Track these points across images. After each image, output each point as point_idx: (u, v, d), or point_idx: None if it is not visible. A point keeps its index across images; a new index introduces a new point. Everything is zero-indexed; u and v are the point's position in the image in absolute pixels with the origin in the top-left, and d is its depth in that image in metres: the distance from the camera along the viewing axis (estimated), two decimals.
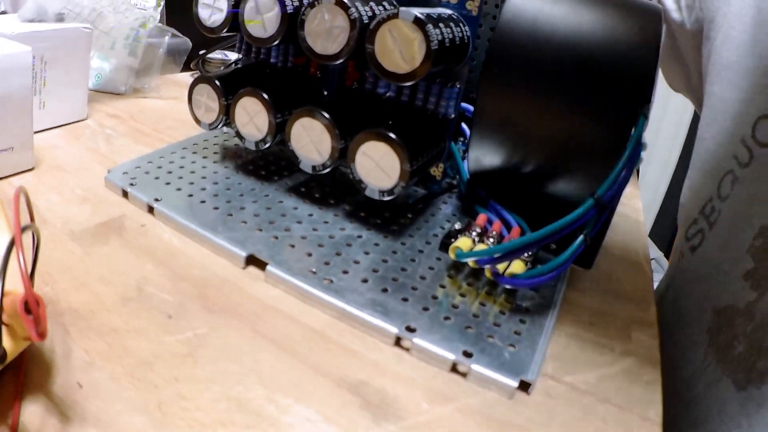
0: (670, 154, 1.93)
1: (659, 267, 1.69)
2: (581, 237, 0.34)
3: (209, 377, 0.27)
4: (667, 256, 1.85)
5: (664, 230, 1.97)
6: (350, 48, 0.35)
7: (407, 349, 0.31)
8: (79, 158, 0.46)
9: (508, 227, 0.39)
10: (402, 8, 0.34)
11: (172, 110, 0.59)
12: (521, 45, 0.36)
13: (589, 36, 0.36)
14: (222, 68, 0.56)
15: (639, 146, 0.34)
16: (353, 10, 0.35)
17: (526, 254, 0.37)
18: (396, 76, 0.35)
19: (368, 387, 0.29)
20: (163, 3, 0.62)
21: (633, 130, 0.34)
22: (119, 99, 0.60)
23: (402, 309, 0.33)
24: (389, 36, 0.34)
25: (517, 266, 0.35)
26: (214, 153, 0.47)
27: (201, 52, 0.59)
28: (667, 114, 1.91)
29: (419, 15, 0.33)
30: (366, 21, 0.36)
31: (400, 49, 0.34)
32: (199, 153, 0.47)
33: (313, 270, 0.35)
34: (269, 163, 0.47)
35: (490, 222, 0.39)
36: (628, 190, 0.64)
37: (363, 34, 0.35)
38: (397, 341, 0.32)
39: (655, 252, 1.75)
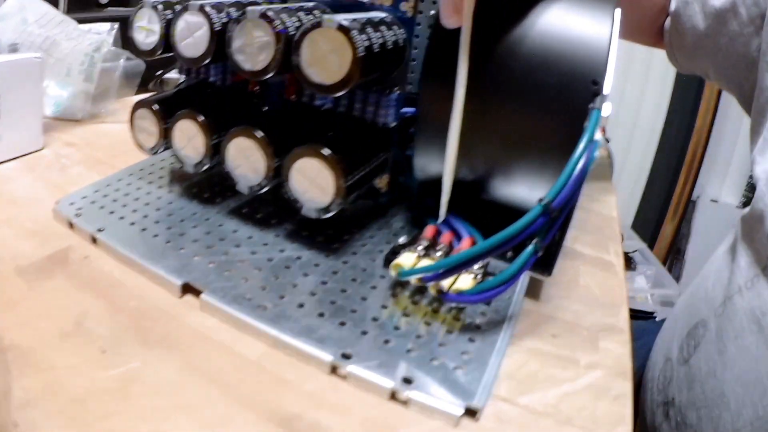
0: (650, 139, 1.89)
1: (644, 259, 1.65)
2: (531, 246, 0.31)
3: (139, 414, 0.26)
4: (651, 247, 1.81)
5: (647, 220, 1.93)
6: (277, 62, 0.33)
7: (344, 378, 0.29)
8: (33, 190, 0.45)
9: (461, 238, 0.37)
10: (326, 16, 0.31)
11: (128, 134, 0.57)
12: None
13: (536, 28, 0.34)
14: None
15: (593, 143, 0.31)
16: (278, 22, 0.33)
17: (476, 267, 0.34)
18: (324, 88, 0.32)
19: (301, 421, 0.27)
20: (116, 26, 0.60)
21: (586, 125, 0.31)
22: (77, 126, 0.58)
23: (338, 334, 0.31)
24: (315, 46, 0.32)
25: (465, 281, 0.33)
26: (160, 177, 0.45)
27: (158, 73, 0.57)
28: (645, 99, 1.87)
29: (343, 22, 0.31)
30: (293, 32, 0.33)
31: (327, 58, 0.32)
32: (145, 178, 0.45)
33: (248, 296, 0.33)
34: (214, 185, 0.44)
35: (440, 233, 0.37)
36: (601, 185, 0.62)
37: (290, 46, 0.33)
38: (334, 369, 0.29)
39: (638, 244, 1.71)
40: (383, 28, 0.34)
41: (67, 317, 0.31)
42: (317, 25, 0.31)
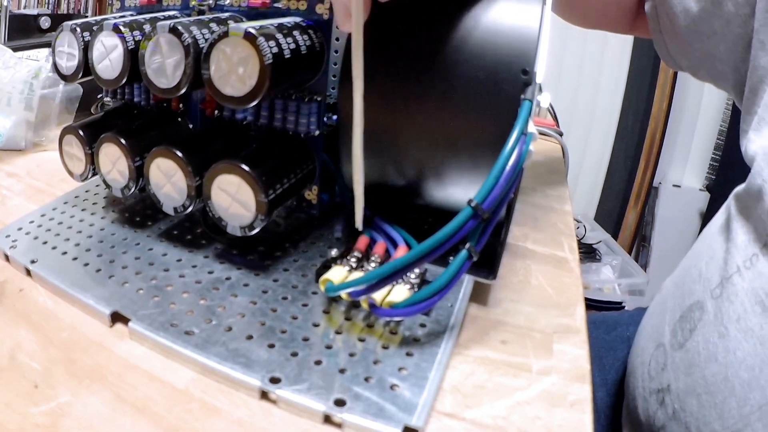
0: (607, 129, 1.87)
1: (609, 250, 1.63)
2: (464, 251, 0.29)
3: None
4: (615, 237, 1.79)
5: (609, 210, 1.91)
6: (189, 77, 0.31)
7: (275, 402, 0.27)
8: None
9: (396, 247, 0.34)
10: (232, 24, 0.29)
11: None
12: (382, 41, 0.31)
13: (459, 19, 0.31)
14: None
15: (524, 136, 0.29)
16: (186, 35, 0.30)
17: (412, 276, 0.32)
18: (236, 100, 0.30)
19: None
20: (52, 52, 0.57)
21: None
22: (20, 155, 0.55)
23: (267, 357, 0.28)
24: (223, 57, 0.29)
25: (399, 293, 0.30)
26: (94, 204, 0.42)
27: (99, 96, 0.54)
28: (600, 89, 1.84)
29: (249, 29, 0.28)
30: (203, 45, 0.31)
31: (236, 69, 0.29)
32: (79, 206, 0.42)
33: (175, 322, 0.30)
34: (146, 208, 0.42)
35: (374, 243, 0.34)
36: (554, 179, 0.59)
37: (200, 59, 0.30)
38: (264, 394, 0.27)
39: (602, 234, 1.69)
40: (297, 33, 0.32)
41: (1, 352, 0.29)
42: (224, 34, 0.29)
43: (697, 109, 1.73)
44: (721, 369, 0.37)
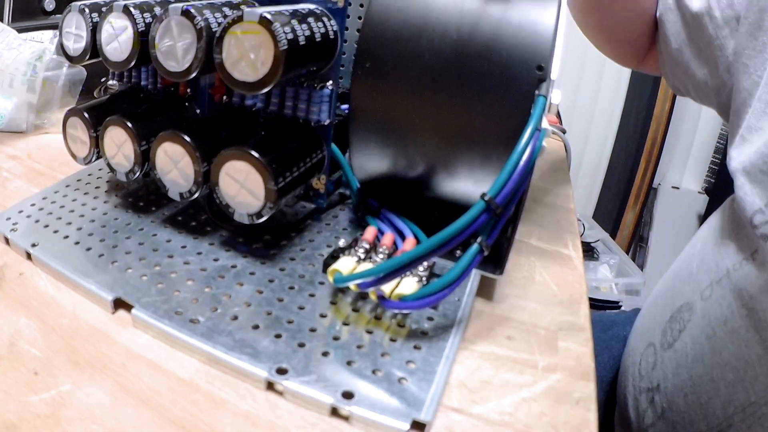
0: (608, 127, 1.85)
1: (606, 249, 1.62)
2: (476, 245, 0.28)
3: None
4: (613, 236, 1.79)
5: (608, 209, 1.90)
6: (200, 61, 0.30)
7: (281, 394, 0.26)
8: None
9: (404, 238, 0.34)
10: (247, 9, 0.28)
11: None
12: (395, 33, 0.30)
13: (473, 14, 0.31)
14: None
15: (538, 132, 0.28)
16: (199, 19, 0.30)
17: (421, 269, 0.31)
18: (248, 85, 0.29)
19: None
20: (59, 33, 0.57)
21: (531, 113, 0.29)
22: (21, 138, 0.55)
23: (274, 348, 0.28)
24: (237, 42, 0.29)
25: (409, 285, 0.30)
26: (97, 188, 0.42)
27: (102, 80, 0.53)
28: (602, 87, 1.83)
29: (265, 14, 0.28)
30: (215, 29, 0.30)
31: (249, 54, 0.29)
32: (81, 189, 0.41)
33: (179, 310, 0.30)
34: (150, 193, 0.41)
35: (382, 234, 0.34)
36: (557, 177, 0.59)
37: (212, 43, 0.30)
38: (270, 385, 0.27)
39: (600, 233, 1.69)
40: (311, 19, 0.31)
41: (0, 339, 0.29)
42: (239, 18, 0.28)
43: (698, 112, 1.72)
44: (708, 370, 0.37)
